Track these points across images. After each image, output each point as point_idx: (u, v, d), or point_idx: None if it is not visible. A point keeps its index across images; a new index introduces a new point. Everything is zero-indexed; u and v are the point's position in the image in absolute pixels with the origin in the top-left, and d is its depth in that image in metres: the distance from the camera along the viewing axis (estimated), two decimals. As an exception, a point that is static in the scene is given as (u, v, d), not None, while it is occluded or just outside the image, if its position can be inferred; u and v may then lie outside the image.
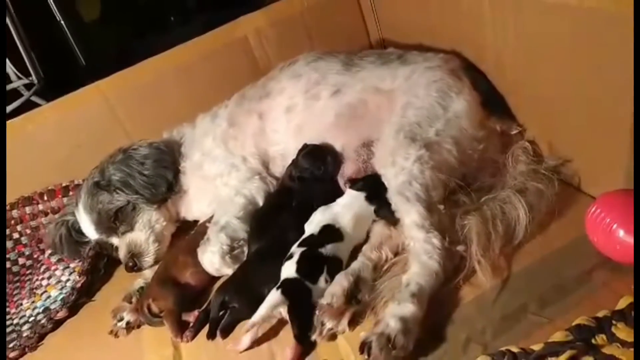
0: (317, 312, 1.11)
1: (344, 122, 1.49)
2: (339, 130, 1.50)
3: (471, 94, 1.35)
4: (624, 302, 0.91)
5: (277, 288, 1.16)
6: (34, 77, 2.36)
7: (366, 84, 1.49)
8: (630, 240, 0.95)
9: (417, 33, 1.70)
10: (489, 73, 1.42)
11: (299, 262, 1.20)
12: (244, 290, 1.23)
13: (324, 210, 1.34)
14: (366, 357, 0.98)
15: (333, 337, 1.09)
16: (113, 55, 2.87)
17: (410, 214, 1.18)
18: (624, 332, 0.86)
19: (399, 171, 1.23)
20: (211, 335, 1.20)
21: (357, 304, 1.13)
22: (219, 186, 1.58)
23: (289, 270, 1.20)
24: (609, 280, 0.99)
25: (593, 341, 0.87)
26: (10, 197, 1.79)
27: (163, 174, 1.56)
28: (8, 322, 1.55)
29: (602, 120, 1.10)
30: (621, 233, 0.97)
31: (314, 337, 1.09)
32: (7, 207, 1.79)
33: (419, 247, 1.14)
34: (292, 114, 1.56)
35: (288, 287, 1.16)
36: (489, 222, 1.17)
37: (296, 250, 1.24)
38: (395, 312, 1.03)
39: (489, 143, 1.33)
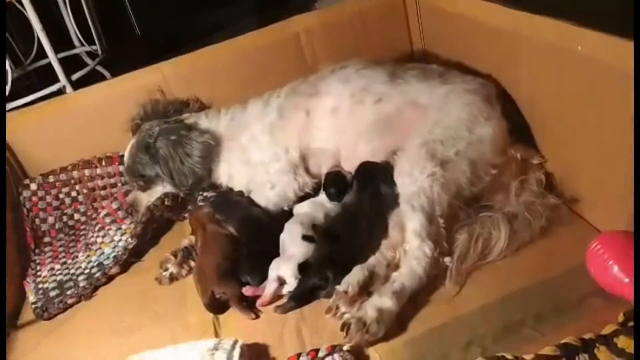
0: (334, 296, 1.28)
1: (380, 128, 1.62)
2: (374, 135, 1.63)
3: (499, 122, 1.46)
4: (608, 329, 1.05)
5: None
6: (98, 46, 2.51)
7: (406, 97, 1.60)
8: (622, 276, 1.10)
9: (458, 51, 1.82)
10: (521, 104, 1.53)
11: None
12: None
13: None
14: (345, 335, 1.17)
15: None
16: (166, 29, 3.03)
17: (412, 221, 1.34)
18: (604, 354, 1.01)
19: (413, 182, 1.38)
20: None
21: (368, 296, 1.27)
22: (259, 171, 1.74)
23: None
24: (600, 308, 1.13)
25: (576, 359, 1.02)
26: (74, 160, 1.98)
27: (200, 173, 1.75)
28: (65, 272, 1.73)
29: (614, 166, 1.23)
30: (615, 269, 1.11)
31: (328, 316, 1.27)
32: (69, 168, 1.98)
33: (411, 252, 1.31)
34: (336, 115, 1.69)
35: None
36: (473, 239, 1.33)
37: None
38: (375, 303, 1.22)
39: (505, 169, 1.44)
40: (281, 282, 1.37)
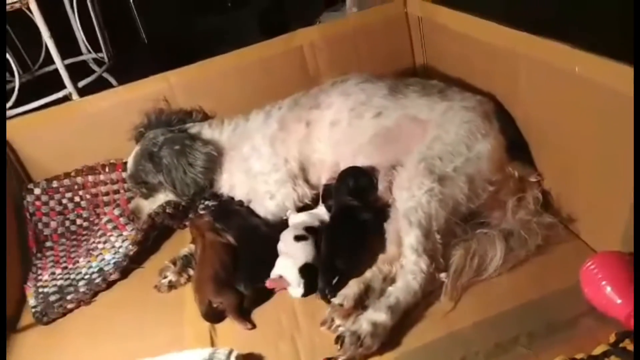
0: (329, 309, 1.30)
1: (379, 142, 1.64)
2: (373, 149, 1.65)
3: (497, 139, 1.47)
4: (599, 349, 1.06)
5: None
6: (104, 54, 2.54)
7: (406, 111, 1.62)
8: (615, 297, 1.11)
9: (458, 67, 1.85)
10: (519, 121, 1.55)
11: None
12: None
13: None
14: (339, 348, 1.18)
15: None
16: (173, 36, 3.07)
17: (409, 236, 1.35)
18: (594, 375, 1.03)
19: (410, 197, 1.40)
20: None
21: (363, 309, 1.29)
22: (259, 181, 1.77)
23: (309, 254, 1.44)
24: (592, 328, 1.14)
25: (566, 378, 1.04)
26: (78, 165, 2.01)
27: (202, 183, 1.78)
28: (66, 277, 1.75)
29: (610, 186, 1.24)
30: (608, 289, 1.12)
31: (323, 328, 1.28)
32: (73, 174, 2.00)
33: (407, 267, 1.33)
34: (336, 127, 1.71)
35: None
36: (469, 256, 1.34)
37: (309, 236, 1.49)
38: (370, 316, 1.23)
39: (502, 186, 1.45)
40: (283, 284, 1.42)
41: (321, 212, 1.64)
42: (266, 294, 1.45)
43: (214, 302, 1.39)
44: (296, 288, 1.40)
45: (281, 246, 1.50)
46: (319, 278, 1.39)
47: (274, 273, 1.44)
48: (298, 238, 1.48)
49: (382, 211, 1.53)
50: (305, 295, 1.40)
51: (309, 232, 1.51)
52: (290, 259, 1.44)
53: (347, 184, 1.58)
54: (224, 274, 1.45)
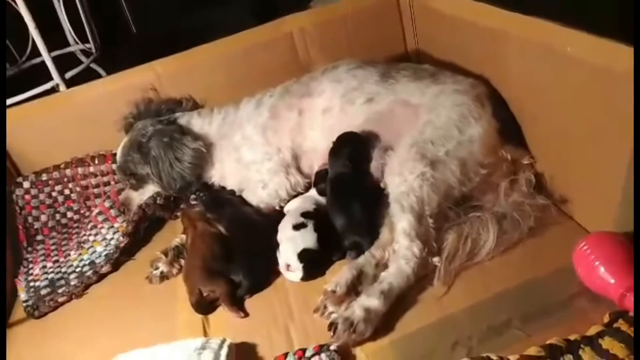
0: (322, 296, 1.29)
1: (370, 126, 1.62)
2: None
3: (489, 122, 1.46)
4: (593, 330, 1.05)
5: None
6: (92, 45, 2.51)
7: (397, 96, 1.61)
8: (608, 277, 1.10)
9: (451, 50, 1.82)
10: (511, 103, 1.53)
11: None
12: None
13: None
14: (332, 334, 1.18)
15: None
16: (162, 27, 3.03)
17: (401, 221, 1.34)
18: (589, 355, 1.01)
19: (402, 182, 1.38)
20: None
21: (356, 295, 1.28)
22: (252, 171, 1.75)
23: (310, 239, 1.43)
24: (586, 309, 1.14)
25: (561, 359, 1.03)
26: (67, 158, 1.99)
27: (189, 178, 1.75)
28: (57, 270, 1.74)
29: (603, 166, 1.23)
30: (602, 270, 1.11)
31: (316, 315, 1.28)
32: (62, 166, 1.98)
33: (400, 252, 1.31)
34: (328, 114, 1.70)
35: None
36: (462, 239, 1.33)
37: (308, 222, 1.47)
38: (363, 302, 1.22)
39: (495, 169, 1.44)
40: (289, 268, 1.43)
41: (313, 194, 1.62)
42: (264, 284, 1.44)
43: (204, 291, 1.37)
44: (295, 272, 1.40)
45: (280, 236, 1.49)
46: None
47: (282, 261, 1.43)
48: (297, 227, 1.46)
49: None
50: (304, 279, 1.39)
51: (307, 217, 1.49)
52: (290, 245, 1.43)
53: (346, 151, 1.57)
54: (214, 263, 1.44)
